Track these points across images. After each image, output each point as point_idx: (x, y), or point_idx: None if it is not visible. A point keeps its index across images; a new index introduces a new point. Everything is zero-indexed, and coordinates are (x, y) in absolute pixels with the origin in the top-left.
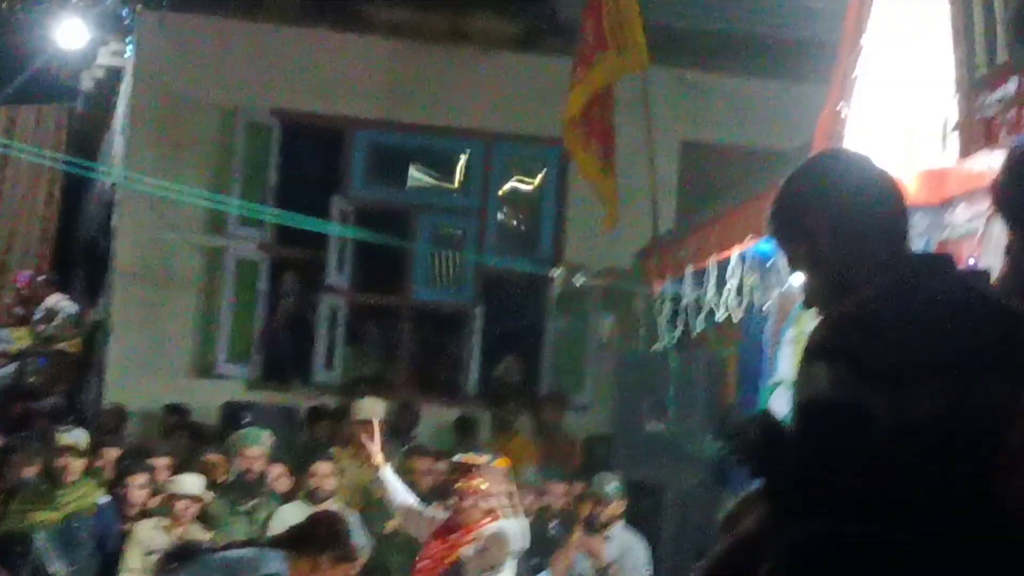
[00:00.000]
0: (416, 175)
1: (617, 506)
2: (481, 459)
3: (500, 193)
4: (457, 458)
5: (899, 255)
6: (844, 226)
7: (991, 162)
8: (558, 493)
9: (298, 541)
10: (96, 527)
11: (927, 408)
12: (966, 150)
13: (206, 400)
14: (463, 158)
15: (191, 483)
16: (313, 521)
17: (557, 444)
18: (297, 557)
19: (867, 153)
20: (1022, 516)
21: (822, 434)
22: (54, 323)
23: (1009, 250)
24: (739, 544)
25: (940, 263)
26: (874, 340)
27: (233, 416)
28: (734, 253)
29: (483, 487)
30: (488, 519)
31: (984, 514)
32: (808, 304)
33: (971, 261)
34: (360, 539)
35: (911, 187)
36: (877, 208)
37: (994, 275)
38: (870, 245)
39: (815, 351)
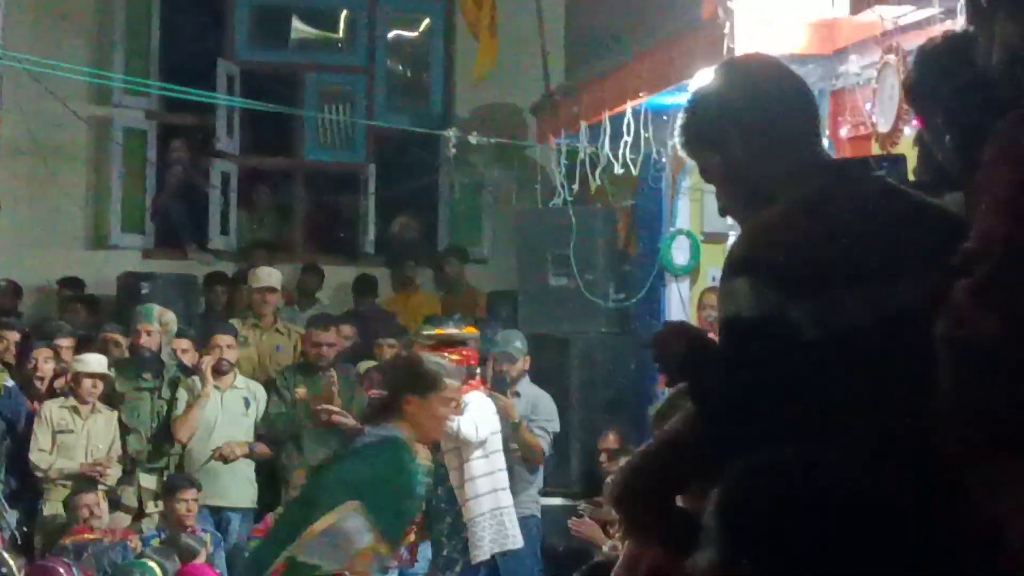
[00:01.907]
0: (300, 28)
1: (524, 362)
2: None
3: (387, 45)
4: (429, 332)
5: (815, 161)
6: (756, 136)
7: (881, 13)
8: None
9: (398, 386)
10: (4, 410)
11: (851, 318)
12: (856, 5)
13: (102, 272)
14: (345, 12)
15: (95, 361)
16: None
17: (460, 298)
18: (406, 403)
19: (775, 58)
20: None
21: (747, 350)
22: None
23: (920, 139)
24: (666, 442)
25: (857, 167)
26: (794, 250)
27: (131, 287)
28: (627, 108)
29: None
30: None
31: (916, 426)
32: (724, 214)
33: (867, 107)
34: None
35: (803, 38)
36: (789, 115)
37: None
38: (784, 153)
39: (735, 264)
